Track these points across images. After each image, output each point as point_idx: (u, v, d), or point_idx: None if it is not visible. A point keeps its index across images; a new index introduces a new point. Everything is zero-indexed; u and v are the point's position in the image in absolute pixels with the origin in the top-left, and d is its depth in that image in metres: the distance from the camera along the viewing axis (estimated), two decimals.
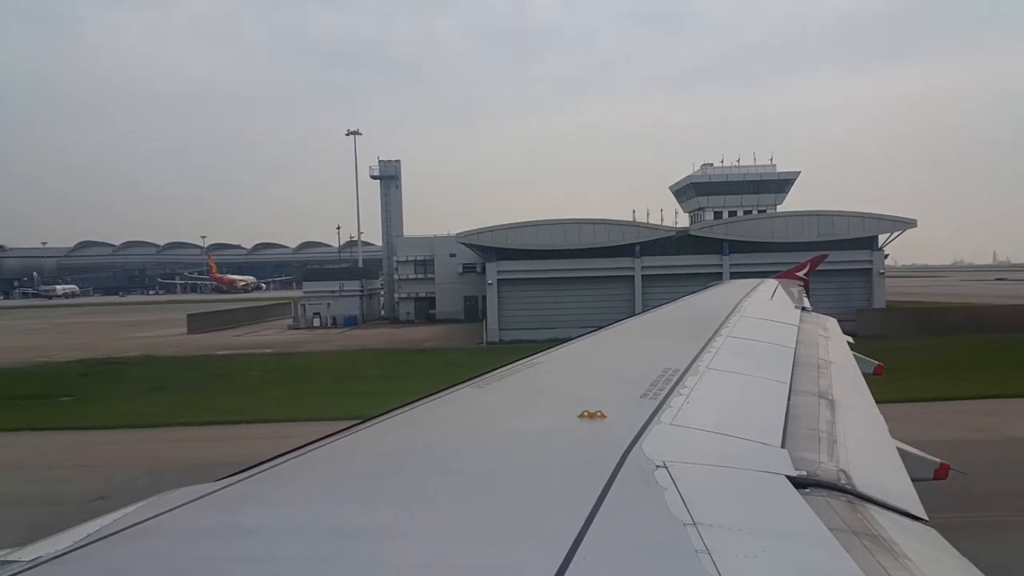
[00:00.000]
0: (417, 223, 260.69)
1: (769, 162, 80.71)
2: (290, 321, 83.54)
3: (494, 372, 5.49)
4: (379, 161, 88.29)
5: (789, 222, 56.24)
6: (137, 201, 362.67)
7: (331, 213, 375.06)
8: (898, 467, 3.84)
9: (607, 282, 56.32)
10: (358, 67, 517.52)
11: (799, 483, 2.99)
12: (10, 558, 2.24)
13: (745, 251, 55.69)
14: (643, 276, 56.07)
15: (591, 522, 2.34)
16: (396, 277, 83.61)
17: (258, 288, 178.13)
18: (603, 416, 3.79)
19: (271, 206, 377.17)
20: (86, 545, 2.30)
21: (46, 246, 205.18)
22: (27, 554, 2.25)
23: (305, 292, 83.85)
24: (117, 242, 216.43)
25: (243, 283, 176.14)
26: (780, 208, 77.35)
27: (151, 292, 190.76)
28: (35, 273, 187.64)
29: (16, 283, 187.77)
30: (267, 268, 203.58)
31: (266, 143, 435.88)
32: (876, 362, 8.36)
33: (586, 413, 3.83)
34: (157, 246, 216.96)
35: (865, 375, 6.98)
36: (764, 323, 9.26)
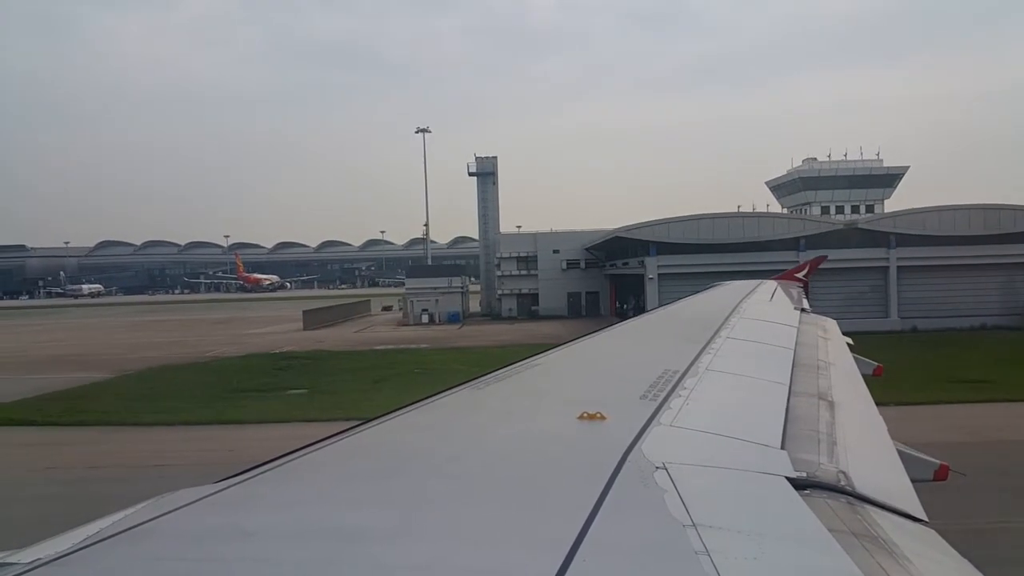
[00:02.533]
0: (441, 224, 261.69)
1: (875, 156, 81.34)
2: (390, 317, 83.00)
3: (494, 373, 5.47)
4: (476, 157, 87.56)
5: (956, 215, 56.27)
6: (156, 201, 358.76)
7: (351, 213, 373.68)
8: (898, 468, 3.84)
9: (768, 277, 55.89)
10: (369, 67, 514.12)
11: (799, 484, 2.99)
12: (10, 560, 2.23)
13: (910, 244, 55.72)
14: None
15: (590, 524, 2.34)
16: (498, 274, 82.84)
17: (282, 287, 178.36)
18: (602, 417, 3.75)
19: (290, 205, 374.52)
20: (86, 547, 2.29)
21: (68, 246, 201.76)
22: (27, 556, 2.24)
23: (408, 289, 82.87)
24: (138, 242, 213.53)
25: (268, 282, 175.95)
26: (887, 204, 78.01)
27: (175, 291, 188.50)
28: (62, 273, 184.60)
29: (41, 283, 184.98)
30: (288, 267, 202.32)
31: (281, 143, 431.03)
32: (875, 363, 8.31)
33: (585, 414, 3.78)
34: (178, 245, 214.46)
35: (864, 376, 7.01)
36: (763, 324, 9.31)
